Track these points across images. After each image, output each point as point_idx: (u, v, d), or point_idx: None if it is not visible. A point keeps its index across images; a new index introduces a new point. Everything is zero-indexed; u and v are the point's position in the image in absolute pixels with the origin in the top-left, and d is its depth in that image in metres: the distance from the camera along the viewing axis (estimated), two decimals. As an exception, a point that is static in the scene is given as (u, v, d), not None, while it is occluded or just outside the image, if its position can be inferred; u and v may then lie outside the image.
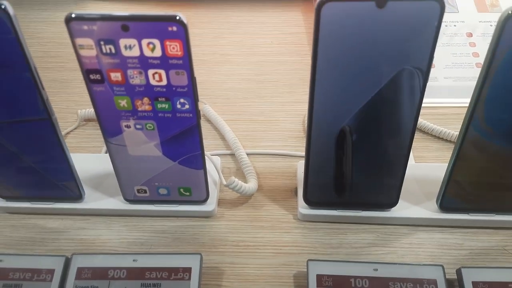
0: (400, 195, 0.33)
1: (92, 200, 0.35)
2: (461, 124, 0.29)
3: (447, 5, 0.52)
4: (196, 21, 0.55)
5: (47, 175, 0.33)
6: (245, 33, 0.53)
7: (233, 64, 0.50)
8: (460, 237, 0.34)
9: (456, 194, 0.33)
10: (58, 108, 0.45)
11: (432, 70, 0.49)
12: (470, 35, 0.49)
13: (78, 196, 0.35)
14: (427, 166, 0.38)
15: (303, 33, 0.53)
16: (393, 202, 0.34)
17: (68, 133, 0.42)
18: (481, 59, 0.47)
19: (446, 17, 0.53)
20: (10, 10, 0.25)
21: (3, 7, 0.25)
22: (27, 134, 0.30)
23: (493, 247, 0.33)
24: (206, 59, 0.50)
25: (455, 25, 0.50)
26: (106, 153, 0.32)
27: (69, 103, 0.45)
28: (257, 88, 0.47)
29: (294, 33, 0.53)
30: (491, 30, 0.50)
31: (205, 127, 0.43)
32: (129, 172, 0.33)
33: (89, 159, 0.38)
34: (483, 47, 0.48)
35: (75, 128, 0.43)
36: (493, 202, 0.33)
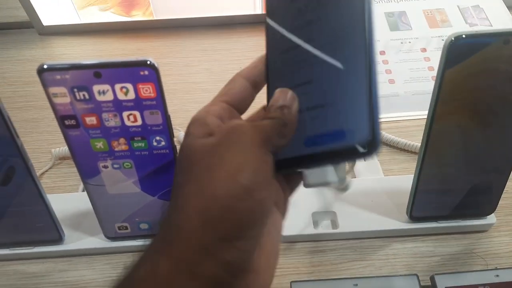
0: (372, 209, 0.35)
1: (73, 241, 0.35)
2: (422, 135, 0.31)
3: (401, 24, 0.56)
4: (166, 50, 0.56)
5: (25, 220, 0.33)
6: (213, 60, 0.55)
7: (205, 92, 0.51)
8: (431, 244, 0.36)
9: (424, 204, 0.35)
10: (31, 149, 0.44)
11: (392, 86, 0.52)
12: (424, 50, 0.52)
13: (58, 238, 0.35)
14: (395, 178, 0.40)
15: (269, 57, 0.55)
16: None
17: (43, 173, 0.42)
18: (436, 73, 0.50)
19: (401, 34, 0.57)
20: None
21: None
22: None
23: (463, 251, 0.35)
24: (177, 88, 0.51)
25: (409, 42, 0.53)
26: (83, 191, 0.32)
27: (41, 142, 0.45)
28: (229, 114, 0.48)
29: (260, 57, 0.55)
30: (442, 44, 0.53)
31: (181, 157, 0.44)
32: (109, 210, 0.33)
33: (66, 199, 0.38)
34: (437, 61, 0.51)
35: (49, 168, 0.43)
36: (458, 209, 0.35)
